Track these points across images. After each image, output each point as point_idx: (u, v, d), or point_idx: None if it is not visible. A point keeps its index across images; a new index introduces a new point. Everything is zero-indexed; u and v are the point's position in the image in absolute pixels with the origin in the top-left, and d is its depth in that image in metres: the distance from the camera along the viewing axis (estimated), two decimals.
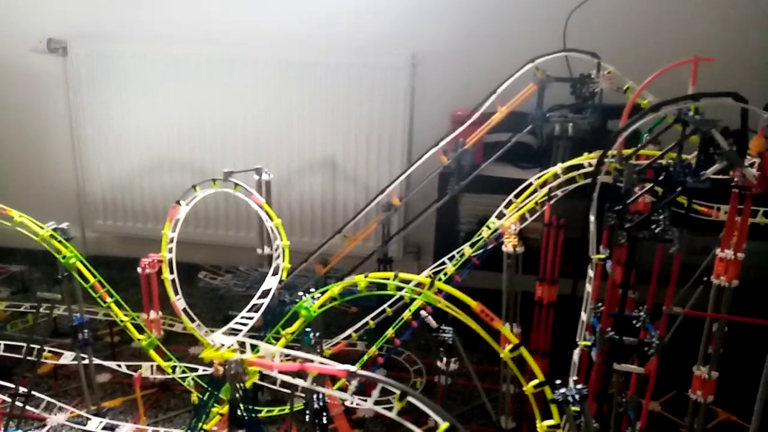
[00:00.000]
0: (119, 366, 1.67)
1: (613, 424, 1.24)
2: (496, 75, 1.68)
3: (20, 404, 1.41)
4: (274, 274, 1.53)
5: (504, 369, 1.56)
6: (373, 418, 1.63)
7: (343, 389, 1.51)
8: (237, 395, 0.90)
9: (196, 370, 1.65)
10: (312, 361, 0.84)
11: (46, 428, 1.36)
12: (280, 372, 0.85)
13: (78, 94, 2.39)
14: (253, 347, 0.88)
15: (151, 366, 1.66)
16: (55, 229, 1.44)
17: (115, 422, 1.51)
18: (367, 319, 1.64)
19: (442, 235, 2.06)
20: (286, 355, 0.87)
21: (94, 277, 1.49)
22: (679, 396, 1.63)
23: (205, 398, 1.12)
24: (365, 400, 0.83)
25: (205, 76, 2.27)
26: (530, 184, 1.47)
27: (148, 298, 1.71)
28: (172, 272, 1.69)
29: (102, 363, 1.70)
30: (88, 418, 1.53)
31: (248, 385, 0.99)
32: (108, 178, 2.48)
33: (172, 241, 1.68)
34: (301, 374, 0.87)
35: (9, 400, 1.41)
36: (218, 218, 2.45)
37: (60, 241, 1.44)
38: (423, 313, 1.50)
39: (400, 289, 1.06)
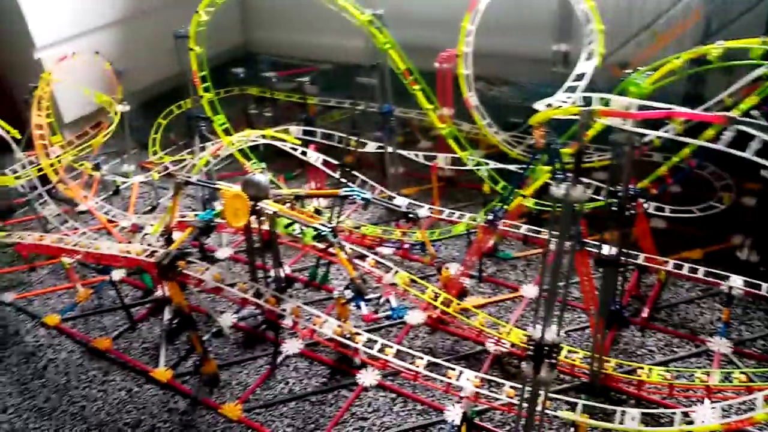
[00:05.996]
0: (416, 156, 1.79)
1: None
2: None
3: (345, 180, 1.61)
4: (588, 58, 1.44)
5: None
6: None
7: None
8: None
9: (487, 164, 1.70)
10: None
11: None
12: (636, 122, 0.81)
13: None
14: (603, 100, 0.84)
15: (445, 158, 1.75)
16: (374, 14, 1.52)
17: (417, 203, 1.67)
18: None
19: None
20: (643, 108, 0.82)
21: (404, 64, 1.57)
22: None
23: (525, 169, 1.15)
24: None
25: None
26: None
27: (442, 93, 1.77)
28: (467, 68, 1.71)
29: (401, 152, 1.83)
30: (393, 196, 1.71)
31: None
32: None
33: (469, 34, 1.67)
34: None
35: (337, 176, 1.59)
36: (497, 26, 2.34)
37: (378, 28, 1.52)
38: None
39: None
